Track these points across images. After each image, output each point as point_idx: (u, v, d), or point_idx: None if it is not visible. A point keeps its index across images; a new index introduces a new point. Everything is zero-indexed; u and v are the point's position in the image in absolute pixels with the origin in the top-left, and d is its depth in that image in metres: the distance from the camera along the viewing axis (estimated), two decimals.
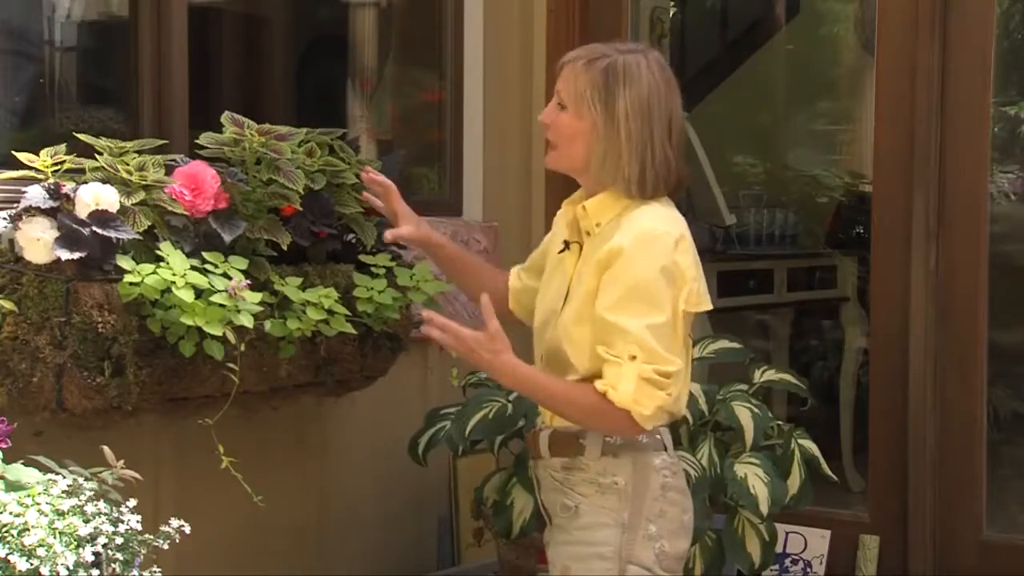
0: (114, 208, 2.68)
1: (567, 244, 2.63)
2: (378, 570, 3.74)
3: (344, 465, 3.68)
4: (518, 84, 4.29)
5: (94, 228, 2.64)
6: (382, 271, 3.14)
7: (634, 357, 2.41)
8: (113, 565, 2.16)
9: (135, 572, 2.20)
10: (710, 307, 2.56)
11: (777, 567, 3.87)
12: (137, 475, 2.34)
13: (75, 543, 2.12)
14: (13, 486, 2.22)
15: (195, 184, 2.86)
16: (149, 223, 2.76)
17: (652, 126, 2.50)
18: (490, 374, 2.56)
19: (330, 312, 2.97)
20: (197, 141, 2.99)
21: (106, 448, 2.36)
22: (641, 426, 2.45)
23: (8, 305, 2.65)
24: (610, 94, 2.50)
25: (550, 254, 2.70)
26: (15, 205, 2.71)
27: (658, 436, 2.56)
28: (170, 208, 2.81)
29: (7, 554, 2.06)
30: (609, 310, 2.45)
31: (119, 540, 2.19)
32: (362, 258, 3.16)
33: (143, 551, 2.23)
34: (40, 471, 2.29)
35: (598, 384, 2.44)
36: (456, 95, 4.19)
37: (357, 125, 4.61)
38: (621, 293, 2.44)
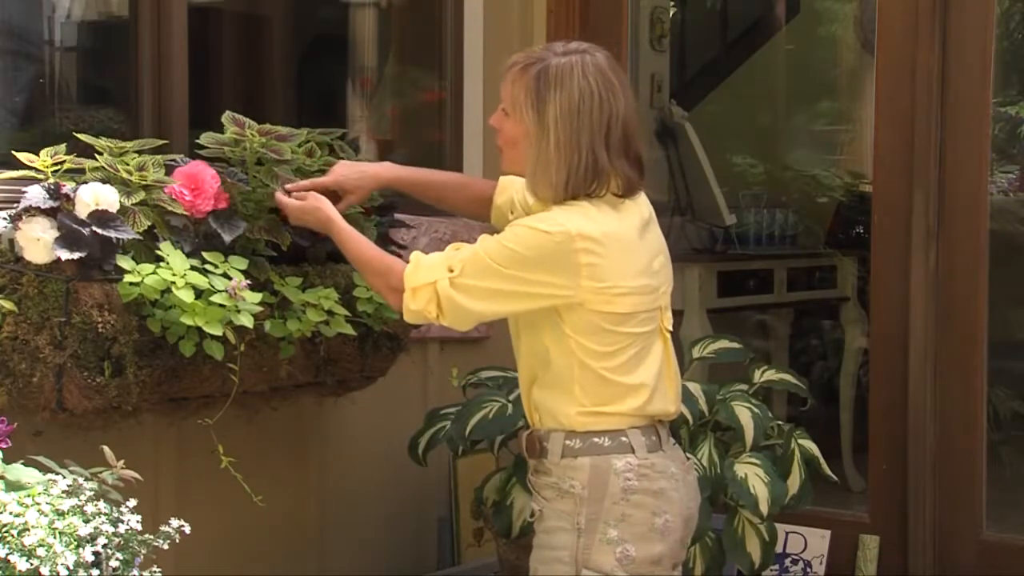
0: (114, 208, 2.68)
1: None
2: (378, 570, 3.75)
3: (344, 465, 3.68)
4: None
5: (94, 228, 2.64)
6: None
7: (452, 271, 2.49)
8: (113, 565, 2.16)
9: (135, 572, 2.20)
10: (624, 310, 2.50)
11: (777, 567, 3.87)
12: (137, 475, 2.34)
13: (75, 543, 2.12)
14: (13, 486, 2.22)
15: (195, 184, 2.85)
16: (149, 223, 2.76)
17: (581, 132, 2.49)
18: (317, 226, 2.81)
19: (330, 312, 2.97)
20: (197, 141, 2.99)
21: (106, 448, 2.36)
22: (400, 309, 2.56)
23: (8, 305, 2.65)
24: (541, 100, 2.50)
25: None
26: (15, 205, 2.70)
27: (624, 439, 2.52)
28: (170, 208, 2.81)
29: (7, 554, 2.06)
30: (485, 236, 2.53)
31: (119, 540, 2.19)
32: None
33: (143, 551, 2.23)
34: (40, 471, 2.29)
35: (413, 254, 2.55)
36: (456, 95, 4.19)
37: (357, 125, 4.61)
38: (499, 236, 2.51)
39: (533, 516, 2.59)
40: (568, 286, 2.46)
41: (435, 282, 2.50)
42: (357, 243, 2.71)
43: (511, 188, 2.84)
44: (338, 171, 2.95)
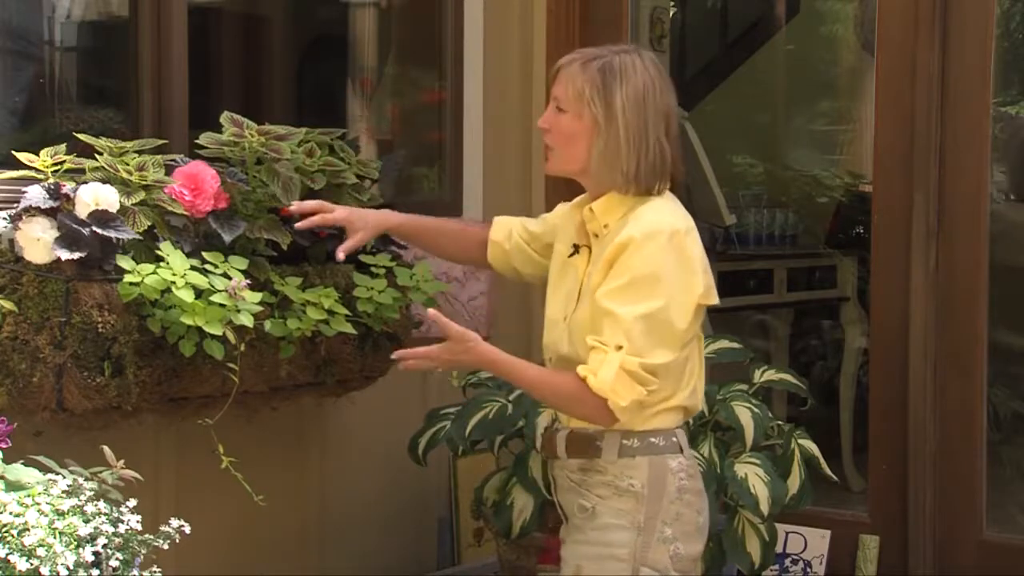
0: (114, 208, 2.68)
1: (576, 248, 2.65)
2: (378, 570, 3.74)
3: (344, 465, 3.68)
4: (518, 84, 4.29)
5: (94, 228, 2.64)
6: (382, 271, 3.14)
7: (620, 347, 2.44)
8: (113, 565, 2.16)
9: (135, 572, 2.20)
10: (716, 301, 2.57)
11: (777, 567, 3.87)
12: (137, 475, 2.34)
13: (75, 543, 2.12)
14: (13, 486, 2.22)
15: (195, 184, 2.86)
16: (149, 223, 2.76)
17: (648, 121, 2.54)
18: (474, 368, 2.67)
19: (330, 312, 2.97)
20: (197, 141, 2.99)
21: (106, 448, 2.36)
22: (616, 417, 2.47)
23: (8, 305, 2.64)
24: (608, 91, 2.54)
25: (557, 253, 2.71)
26: (15, 205, 2.70)
27: (674, 439, 2.57)
28: (170, 208, 2.81)
29: (7, 554, 2.06)
30: (605, 296, 2.47)
31: (119, 540, 2.19)
32: (362, 258, 3.16)
33: (143, 551, 2.22)
34: (40, 471, 2.28)
35: (580, 369, 2.46)
36: (456, 95, 4.19)
37: (357, 125, 4.61)
38: (621, 282, 2.47)
39: (583, 512, 2.58)
40: (696, 282, 2.51)
41: (621, 367, 2.43)
42: (526, 370, 2.57)
43: (508, 223, 2.88)
44: (344, 210, 2.91)
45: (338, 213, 2.89)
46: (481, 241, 2.90)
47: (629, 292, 2.45)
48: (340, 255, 2.86)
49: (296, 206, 2.90)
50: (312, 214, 2.88)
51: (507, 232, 2.87)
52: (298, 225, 2.90)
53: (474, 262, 3.00)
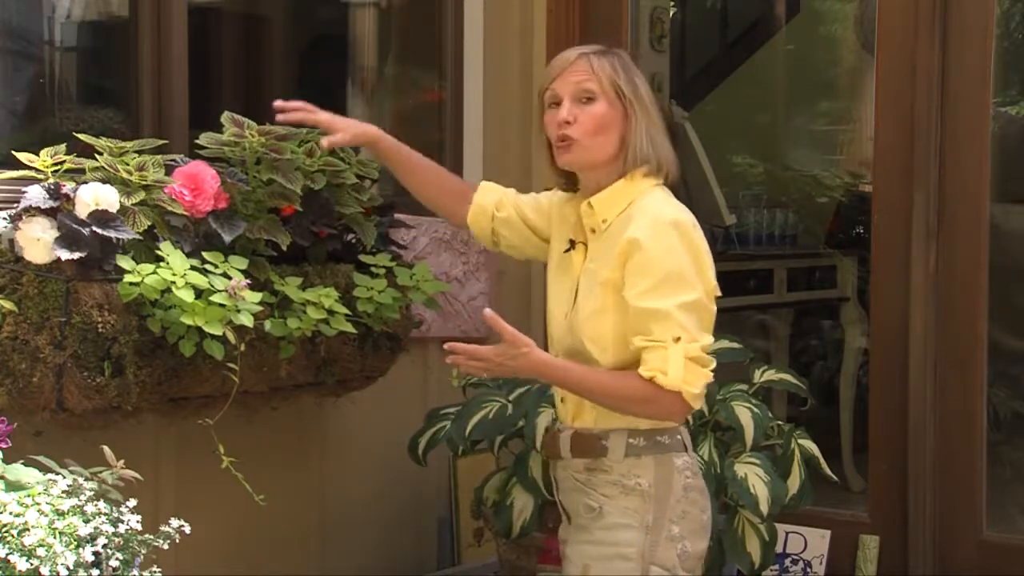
0: (114, 208, 2.68)
1: (572, 244, 2.64)
2: (378, 570, 3.75)
3: (344, 465, 3.68)
4: (518, 84, 4.29)
5: (94, 228, 2.64)
6: (382, 271, 3.14)
7: (678, 338, 2.44)
8: (113, 565, 2.16)
9: (135, 572, 2.20)
10: (719, 295, 2.57)
11: (777, 567, 3.87)
12: (137, 475, 2.34)
13: (75, 543, 2.12)
14: (13, 486, 2.22)
15: (195, 184, 2.86)
16: (149, 223, 2.76)
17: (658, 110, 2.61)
18: (525, 376, 2.60)
19: (330, 312, 2.97)
20: (197, 141, 2.99)
21: (106, 448, 2.36)
22: (691, 406, 2.47)
23: (8, 305, 2.64)
24: (632, 81, 2.57)
25: (554, 249, 2.71)
26: (15, 205, 2.70)
27: (679, 437, 2.58)
28: (170, 208, 2.81)
29: (7, 554, 2.06)
30: (641, 298, 2.46)
31: (119, 540, 2.19)
32: (362, 258, 3.16)
33: (143, 551, 2.22)
34: (40, 471, 2.28)
35: (643, 371, 2.45)
36: (456, 95, 4.19)
37: None
38: (651, 280, 2.46)
39: (590, 512, 2.57)
40: (709, 273, 2.52)
41: (685, 356, 2.44)
42: (586, 376, 2.53)
43: (496, 193, 2.85)
44: (329, 114, 2.89)
45: (321, 115, 2.87)
46: (461, 193, 2.86)
47: (663, 287, 2.45)
48: (324, 144, 2.86)
49: (280, 103, 2.86)
50: (297, 120, 2.87)
51: (496, 200, 2.83)
52: (280, 118, 2.86)
53: (443, 210, 2.91)
